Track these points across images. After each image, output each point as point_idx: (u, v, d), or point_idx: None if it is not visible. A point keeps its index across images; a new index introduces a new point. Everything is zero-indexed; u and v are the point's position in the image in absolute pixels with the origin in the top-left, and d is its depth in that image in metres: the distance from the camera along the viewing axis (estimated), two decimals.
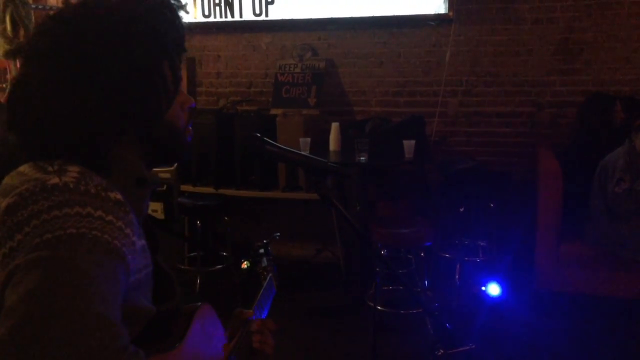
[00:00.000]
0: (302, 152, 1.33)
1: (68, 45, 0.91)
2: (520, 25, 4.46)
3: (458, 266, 4.13)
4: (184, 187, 4.50)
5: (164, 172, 4.12)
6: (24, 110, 0.93)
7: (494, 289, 3.47)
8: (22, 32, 4.07)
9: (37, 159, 0.91)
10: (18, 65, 4.15)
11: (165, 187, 4.14)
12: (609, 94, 4.15)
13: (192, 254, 4.50)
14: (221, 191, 4.42)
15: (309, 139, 4.07)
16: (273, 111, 4.54)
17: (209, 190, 4.46)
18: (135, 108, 0.94)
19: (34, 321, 0.71)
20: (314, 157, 1.32)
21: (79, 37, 0.91)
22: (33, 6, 4.14)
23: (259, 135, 1.28)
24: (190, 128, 1.08)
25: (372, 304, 3.67)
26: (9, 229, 0.81)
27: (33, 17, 4.21)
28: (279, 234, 1.96)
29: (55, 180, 0.84)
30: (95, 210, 0.82)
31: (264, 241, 1.81)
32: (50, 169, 0.87)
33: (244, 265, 1.78)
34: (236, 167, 4.41)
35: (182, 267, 4.46)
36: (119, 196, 0.88)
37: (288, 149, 1.31)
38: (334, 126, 4.29)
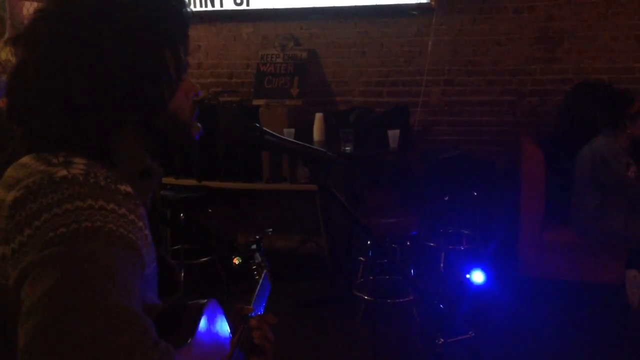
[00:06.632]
0: (301, 142, 1.32)
1: (67, 31, 0.89)
2: (501, 14, 4.48)
3: (443, 254, 4.16)
4: (166, 180, 4.44)
5: None
6: (23, 98, 0.90)
7: (478, 277, 3.51)
8: None
9: (39, 150, 0.88)
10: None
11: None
12: (595, 82, 4.17)
13: (176, 247, 4.45)
14: (204, 183, 4.37)
15: (293, 130, 4.05)
16: (255, 102, 4.50)
17: (192, 182, 4.41)
18: (137, 94, 0.91)
19: (61, 319, 0.68)
20: (313, 146, 1.31)
21: (79, 22, 0.89)
22: None
23: (258, 125, 1.26)
24: (199, 125, 1.05)
25: (359, 294, 3.68)
26: (17, 223, 0.78)
27: (7, 7, 4.11)
28: (271, 229, 1.93)
29: (63, 172, 0.82)
30: (107, 203, 0.80)
31: (256, 237, 1.78)
32: (54, 161, 0.84)
33: (236, 261, 1.75)
34: (219, 159, 4.37)
35: None
36: (128, 189, 0.86)
37: (288, 138, 1.31)
38: (318, 116, 4.27)
